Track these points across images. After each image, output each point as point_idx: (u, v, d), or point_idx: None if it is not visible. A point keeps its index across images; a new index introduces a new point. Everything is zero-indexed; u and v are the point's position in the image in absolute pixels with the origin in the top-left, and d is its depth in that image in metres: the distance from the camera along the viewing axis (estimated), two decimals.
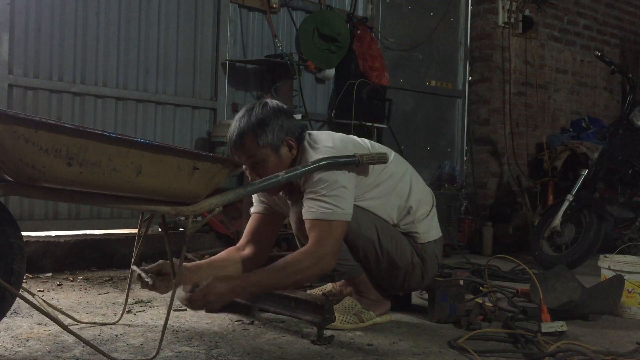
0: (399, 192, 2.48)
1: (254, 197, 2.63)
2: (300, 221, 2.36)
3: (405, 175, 2.53)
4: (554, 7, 6.40)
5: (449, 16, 5.87)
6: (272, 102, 2.40)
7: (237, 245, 2.62)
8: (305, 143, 2.38)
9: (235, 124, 2.33)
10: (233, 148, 2.34)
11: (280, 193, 2.47)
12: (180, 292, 2.16)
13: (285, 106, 2.42)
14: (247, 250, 2.58)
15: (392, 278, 2.52)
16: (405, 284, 2.55)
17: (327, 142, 2.37)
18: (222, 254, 2.59)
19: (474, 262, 4.27)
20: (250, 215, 2.65)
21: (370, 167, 2.40)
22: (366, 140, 2.53)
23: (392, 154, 2.55)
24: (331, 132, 2.52)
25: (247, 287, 2.22)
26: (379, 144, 2.62)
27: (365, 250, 2.43)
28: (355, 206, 2.37)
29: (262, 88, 4.60)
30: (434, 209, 2.62)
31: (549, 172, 5.58)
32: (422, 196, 2.56)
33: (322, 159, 2.26)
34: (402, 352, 2.14)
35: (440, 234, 2.63)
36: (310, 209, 2.28)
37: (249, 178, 2.37)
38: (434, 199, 2.65)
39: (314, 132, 2.47)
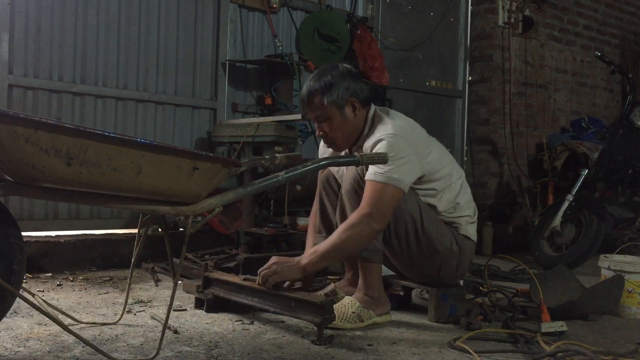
0: (451, 189, 2.63)
1: (322, 150, 2.81)
2: (354, 180, 2.50)
3: (459, 180, 2.68)
4: (554, 7, 6.40)
5: (449, 16, 5.87)
6: (342, 66, 2.60)
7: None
8: (380, 112, 2.57)
9: (307, 83, 2.58)
10: (303, 105, 2.60)
11: (344, 152, 2.64)
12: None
13: (354, 70, 2.62)
14: None
15: (429, 261, 2.59)
16: (440, 271, 2.61)
17: (399, 120, 2.54)
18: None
19: (474, 262, 4.25)
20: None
21: (430, 164, 2.53)
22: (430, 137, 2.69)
23: (453, 162, 2.70)
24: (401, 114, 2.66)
25: (318, 261, 2.43)
26: (442, 146, 2.73)
27: (407, 226, 2.52)
28: None
29: (262, 88, 4.60)
30: (476, 218, 2.75)
31: (549, 172, 5.58)
32: (469, 202, 2.71)
33: (323, 159, 2.28)
34: (402, 352, 2.14)
35: (476, 241, 2.74)
36: (370, 172, 2.42)
37: (317, 133, 2.61)
38: (477, 211, 2.77)
39: (388, 109, 2.64)
